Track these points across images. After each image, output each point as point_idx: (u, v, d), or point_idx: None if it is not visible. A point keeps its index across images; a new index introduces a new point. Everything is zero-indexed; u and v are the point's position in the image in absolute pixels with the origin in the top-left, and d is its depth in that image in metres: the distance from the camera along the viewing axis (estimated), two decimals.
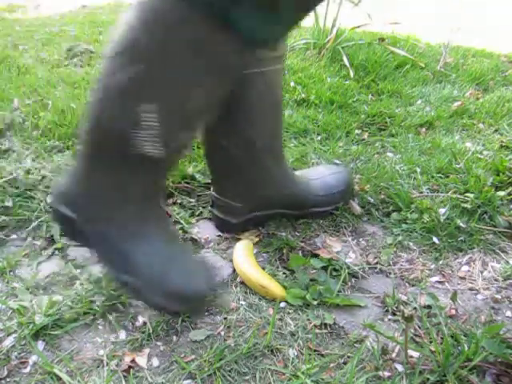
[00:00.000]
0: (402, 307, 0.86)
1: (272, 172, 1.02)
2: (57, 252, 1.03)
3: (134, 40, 0.59)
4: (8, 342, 0.79)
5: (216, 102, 0.66)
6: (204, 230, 1.09)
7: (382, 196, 1.19)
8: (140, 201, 0.71)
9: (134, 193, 0.70)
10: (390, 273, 0.96)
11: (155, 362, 0.77)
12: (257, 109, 0.94)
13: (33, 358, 0.76)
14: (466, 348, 0.74)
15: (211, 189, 1.08)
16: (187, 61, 0.58)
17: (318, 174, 1.14)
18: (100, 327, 0.83)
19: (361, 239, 1.07)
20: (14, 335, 0.80)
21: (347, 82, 1.93)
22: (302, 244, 1.03)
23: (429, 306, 0.85)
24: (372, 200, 1.17)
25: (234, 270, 0.96)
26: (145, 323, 0.83)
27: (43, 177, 1.23)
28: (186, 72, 0.59)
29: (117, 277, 0.75)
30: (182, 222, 1.09)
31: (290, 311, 0.86)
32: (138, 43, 0.58)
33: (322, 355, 0.78)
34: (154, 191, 0.72)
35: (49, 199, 0.91)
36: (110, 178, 0.69)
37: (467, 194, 1.14)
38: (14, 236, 1.08)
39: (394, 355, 0.77)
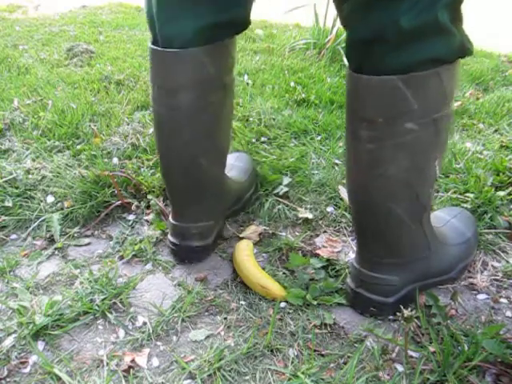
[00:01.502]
0: (401, 307, 0.86)
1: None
2: (57, 252, 1.03)
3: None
4: (8, 341, 0.79)
5: None
6: None
7: None
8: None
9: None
10: None
11: (155, 362, 0.77)
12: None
13: (33, 358, 0.76)
14: (466, 348, 0.74)
15: (356, 263, 0.86)
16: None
17: (442, 221, 0.98)
18: (100, 327, 0.83)
19: None
20: (14, 335, 0.80)
21: None
22: (302, 244, 1.03)
23: (429, 306, 0.85)
24: None
25: (234, 270, 0.96)
26: (145, 323, 0.83)
27: (43, 177, 1.23)
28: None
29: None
30: None
31: (290, 311, 0.86)
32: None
33: (322, 355, 0.78)
34: None
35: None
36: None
37: (467, 194, 1.14)
38: (14, 236, 1.08)
39: (393, 355, 0.77)
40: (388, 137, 0.72)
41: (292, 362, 0.76)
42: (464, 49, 0.70)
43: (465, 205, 1.11)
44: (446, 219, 0.98)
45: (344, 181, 1.25)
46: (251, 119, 1.58)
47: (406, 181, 0.75)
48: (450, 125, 0.76)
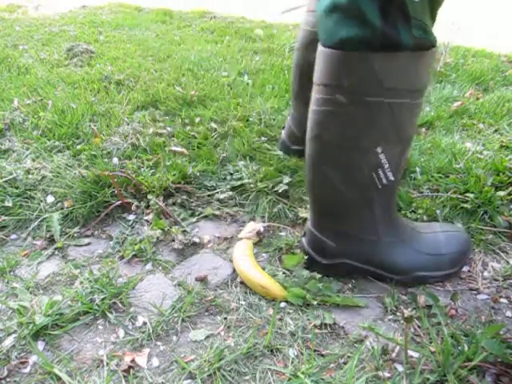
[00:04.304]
0: (402, 307, 0.86)
1: (377, 218, 0.88)
2: (57, 252, 1.03)
3: None
4: (8, 341, 0.79)
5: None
6: (204, 230, 1.09)
7: None
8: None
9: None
10: None
11: (155, 362, 0.77)
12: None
13: (33, 358, 0.77)
14: (466, 348, 0.74)
15: (308, 222, 0.97)
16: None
17: (428, 229, 0.97)
18: (100, 327, 0.83)
19: None
20: (14, 335, 0.80)
21: None
22: None
23: (429, 306, 0.85)
24: None
25: (234, 270, 0.96)
26: (145, 323, 0.83)
27: (43, 177, 1.23)
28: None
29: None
30: (181, 222, 1.09)
31: (290, 311, 0.86)
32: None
33: (322, 355, 0.78)
34: None
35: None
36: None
37: (467, 194, 1.14)
38: (14, 236, 1.08)
39: (394, 355, 0.77)
40: (323, 102, 0.80)
41: (292, 362, 0.76)
42: (389, 42, 0.71)
43: (465, 205, 1.11)
44: (435, 230, 0.95)
45: None
46: (251, 119, 1.58)
47: (338, 149, 0.81)
48: (402, 117, 0.77)
